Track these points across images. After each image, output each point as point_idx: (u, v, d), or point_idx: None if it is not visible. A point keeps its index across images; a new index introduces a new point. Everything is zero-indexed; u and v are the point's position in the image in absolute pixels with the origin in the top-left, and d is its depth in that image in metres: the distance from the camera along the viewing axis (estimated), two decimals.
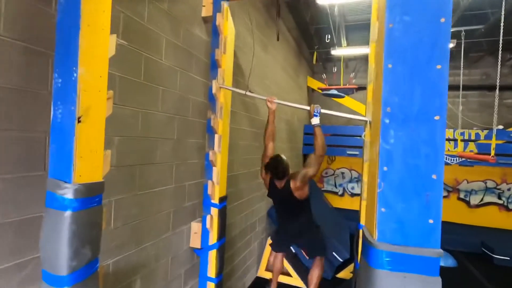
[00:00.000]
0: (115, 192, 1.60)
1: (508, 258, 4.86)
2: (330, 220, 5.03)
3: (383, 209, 0.72)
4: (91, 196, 1.14)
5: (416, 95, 0.75)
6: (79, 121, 1.09)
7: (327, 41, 4.38)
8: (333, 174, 7.74)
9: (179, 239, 2.22)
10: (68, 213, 1.07)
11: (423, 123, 0.69)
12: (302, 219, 2.68)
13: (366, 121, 1.91)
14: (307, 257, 2.99)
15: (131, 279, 1.76)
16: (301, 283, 3.86)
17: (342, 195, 7.67)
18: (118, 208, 1.63)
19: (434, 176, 0.68)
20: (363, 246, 0.78)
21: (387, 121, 0.72)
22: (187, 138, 2.24)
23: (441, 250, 0.70)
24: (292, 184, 2.45)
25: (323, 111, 2.12)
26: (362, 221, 1.89)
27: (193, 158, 2.33)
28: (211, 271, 2.30)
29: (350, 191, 7.58)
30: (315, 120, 2.12)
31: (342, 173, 7.65)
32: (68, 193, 1.08)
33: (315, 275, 2.93)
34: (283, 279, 3.98)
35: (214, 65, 2.29)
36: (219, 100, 2.26)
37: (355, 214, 5.35)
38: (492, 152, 3.77)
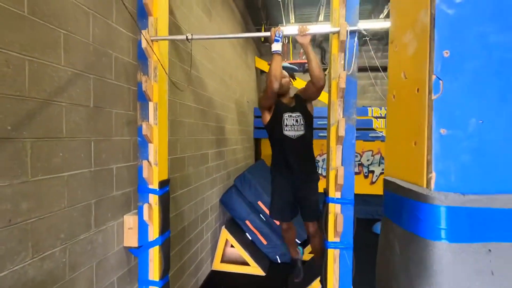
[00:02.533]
0: None
1: None
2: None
3: (443, 131, 0.42)
4: None
5: None
6: None
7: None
8: None
9: (107, 238, 1.71)
10: None
11: None
12: (309, 150, 2.33)
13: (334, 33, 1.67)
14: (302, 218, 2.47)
15: None
16: (260, 271, 3.61)
17: None
18: None
19: None
20: (389, 205, 0.49)
21: None
22: (111, 107, 1.72)
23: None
24: (302, 92, 2.26)
25: (288, 33, 1.82)
26: (331, 193, 1.65)
27: (121, 134, 1.81)
28: (154, 273, 1.84)
29: None
30: (276, 46, 1.83)
31: None
32: None
33: (317, 243, 2.44)
34: (240, 269, 3.68)
35: (142, 13, 1.77)
36: (152, 58, 1.77)
37: None
38: None
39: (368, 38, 6.42)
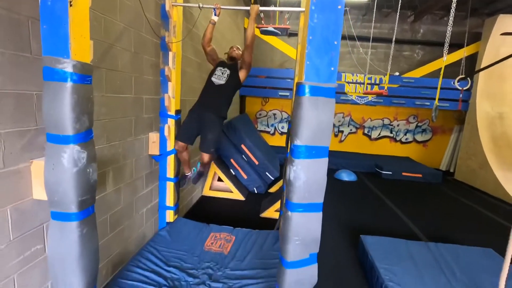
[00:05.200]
0: None
1: (391, 173, 6.53)
2: (265, 151, 5.79)
3: (308, 62, 1.21)
4: (85, 74, 1.37)
5: None
6: (70, 5, 1.27)
7: None
8: (266, 116, 8.51)
9: (140, 145, 2.52)
10: (69, 84, 1.30)
11: (332, 10, 1.16)
12: (223, 97, 2.78)
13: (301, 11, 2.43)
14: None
15: (106, 169, 2.05)
16: (241, 196, 4.60)
17: (273, 134, 8.59)
18: None
19: (335, 42, 1.19)
20: (297, 90, 1.28)
21: (313, 7, 1.16)
22: (142, 53, 2.41)
23: (336, 84, 1.24)
24: (240, 57, 2.78)
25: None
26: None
27: (148, 74, 2.53)
28: (170, 172, 2.71)
29: (280, 130, 8.54)
30: (212, 17, 2.50)
31: (274, 114, 8.47)
32: (68, 67, 1.29)
33: (205, 168, 2.97)
34: (225, 194, 4.66)
35: None
36: (172, 19, 2.44)
37: (283, 149, 6.19)
38: (385, 87, 4.87)
39: (347, 9, 7.00)
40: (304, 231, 1.30)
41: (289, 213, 1.30)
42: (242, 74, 2.78)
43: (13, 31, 1.33)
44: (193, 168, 3.13)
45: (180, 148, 2.74)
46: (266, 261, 2.41)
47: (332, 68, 1.19)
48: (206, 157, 2.77)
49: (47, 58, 1.29)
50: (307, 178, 1.24)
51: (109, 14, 1.94)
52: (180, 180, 3.02)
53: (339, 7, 1.13)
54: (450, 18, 3.05)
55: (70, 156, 1.36)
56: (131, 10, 2.19)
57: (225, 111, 2.82)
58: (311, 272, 1.38)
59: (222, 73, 2.74)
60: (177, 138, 2.73)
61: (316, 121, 1.20)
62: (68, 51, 1.29)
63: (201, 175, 3.05)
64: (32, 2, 1.39)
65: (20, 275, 1.44)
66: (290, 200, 1.29)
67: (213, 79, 2.72)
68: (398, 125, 8.08)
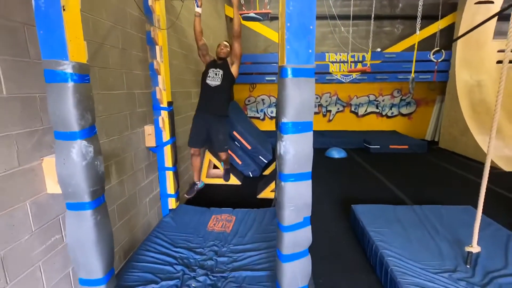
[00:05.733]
0: None
1: (379, 147, 6.79)
2: (257, 135, 5.93)
3: (288, 46, 1.34)
4: (83, 74, 1.47)
5: None
6: (64, 9, 1.36)
7: None
8: (255, 101, 8.60)
9: (137, 138, 2.63)
10: (71, 84, 1.41)
11: None
12: (222, 97, 2.95)
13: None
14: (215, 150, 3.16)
15: (108, 163, 2.17)
16: (237, 181, 4.77)
17: (263, 119, 8.72)
18: None
19: (311, 27, 1.33)
20: (279, 74, 1.42)
21: None
22: (130, 49, 2.48)
23: (314, 65, 1.38)
24: (231, 55, 2.92)
25: None
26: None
27: (137, 69, 2.61)
28: (168, 162, 2.84)
29: (269, 115, 8.67)
30: (196, 9, 2.66)
31: (262, 99, 8.58)
32: (68, 68, 1.39)
33: (226, 164, 3.55)
34: (223, 181, 4.81)
35: None
36: (155, 13, 2.50)
37: (274, 133, 6.34)
38: (368, 64, 5.02)
39: None
40: (296, 197, 1.47)
41: (282, 183, 1.47)
42: (234, 70, 2.92)
43: (11, 38, 1.42)
44: (202, 182, 3.49)
45: (195, 152, 3.15)
46: (266, 235, 2.61)
47: (310, 51, 1.33)
48: (223, 155, 3.17)
49: (47, 62, 1.39)
50: (296, 151, 1.40)
51: (95, 14, 2.01)
52: (189, 189, 3.32)
53: None
54: None
55: (79, 150, 1.48)
56: (116, 7, 2.25)
57: (227, 109, 3.06)
58: (306, 233, 1.56)
59: (216, 74, 2.88)
60: (190, 144, 3.08)
61: (299, 99, 1.35)
62: (66, 53, 1.38)
63: (229, 171, 3.55)
64: (24, 9, 1.47)
65: (44, 263, 1.58)
66: (282, 172, 1.45)
67: (208, 81, 2.88)
68: (383, 100, 8.31)
